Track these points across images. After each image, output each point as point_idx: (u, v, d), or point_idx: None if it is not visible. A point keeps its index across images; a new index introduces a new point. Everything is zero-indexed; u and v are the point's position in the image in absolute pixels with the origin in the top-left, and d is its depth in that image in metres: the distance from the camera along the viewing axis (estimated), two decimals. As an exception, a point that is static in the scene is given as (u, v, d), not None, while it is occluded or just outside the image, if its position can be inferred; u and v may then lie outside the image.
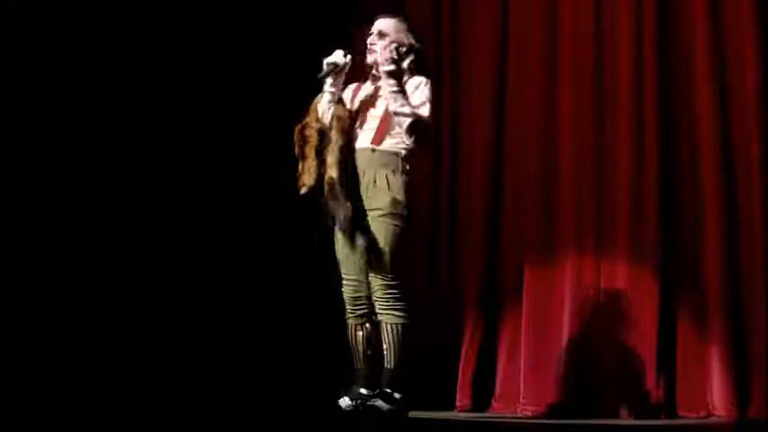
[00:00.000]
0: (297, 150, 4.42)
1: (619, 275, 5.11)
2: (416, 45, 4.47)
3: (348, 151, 4.37)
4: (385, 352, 4.28)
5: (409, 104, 4.30)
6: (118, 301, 5.19)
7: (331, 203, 4.30)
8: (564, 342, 5.13)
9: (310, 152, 4.37)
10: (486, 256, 5.39)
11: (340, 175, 4.28)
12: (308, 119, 4.44)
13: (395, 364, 4.27)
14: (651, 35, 5.13)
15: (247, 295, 5.42)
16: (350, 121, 4.41)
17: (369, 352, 4.38)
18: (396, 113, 4.31)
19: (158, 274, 5.26)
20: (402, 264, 4.28)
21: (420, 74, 4.43)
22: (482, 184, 5.44)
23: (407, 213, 4.30)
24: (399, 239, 4.27)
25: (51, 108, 5.11)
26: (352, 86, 4.54)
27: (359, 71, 4.49)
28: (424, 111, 4.33)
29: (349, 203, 4.27)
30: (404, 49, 4.43)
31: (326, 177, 4.30)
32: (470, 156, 5.49)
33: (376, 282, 4.29)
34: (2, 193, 4.96)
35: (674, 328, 5.02)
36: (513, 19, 5.48)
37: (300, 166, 4.39)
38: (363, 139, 4.41)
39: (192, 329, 5.28)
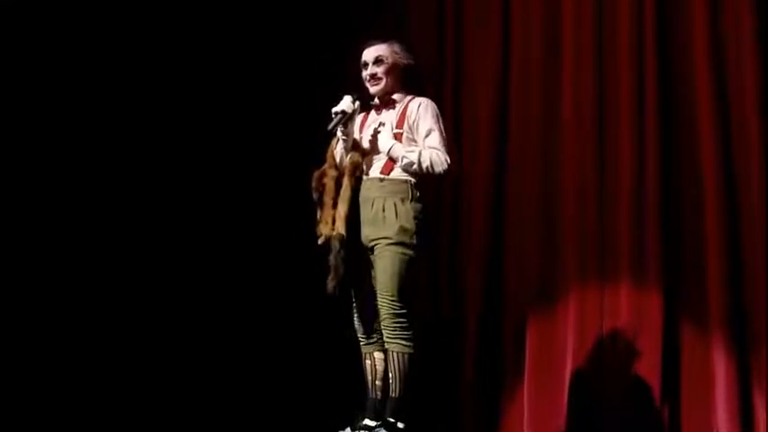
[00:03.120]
0: (315, 197, 4.41)
1: (622, 302, 5.06)
2: (413, 63, 4.46)
3: (358, 197, 4.35)
4: (390, 381, 4.25)
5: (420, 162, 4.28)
6: (121, 317, 5.27)
7: (332, 257, 4.27)
8: (568, 368, 5.09)
9: (328, 201, 4.36)
10: (489, 286, 5.36)
11: (347, 231, 4.26)
12: (325, 166, 4.43)
13: (399, 394, 4.23)
14: (652, 51, 5.08)
15: (255, 323, 5.45)
16: (363, 166, 4.39)
17: (378, 382, 4.35)
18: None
19: (161, 291, 5.35)
20: (410, 293, 4.25)
21: (418, 91, 4.43)
22: (484, 213, 5.40)
23: (416, 242, 4.26)
24: (407, 267, 4.24)
25: (60, 111, 5.19)
26: (359, 117, 4.51)
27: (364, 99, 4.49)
28: (441, 163, 4.29)
29: (343, 269, 4.24)
30: (402, 70, 4.43)
31: (335, 231, 4.28)
32: (473, 183, 5.46)
33: (383, 310, 4.25)
34: (17, 192, 5.05)
35: (679, 352, 4.99)
36: (515, 40, 5.45)
37: (319, 214, 4.37)
38: (373, 169, 4.38)
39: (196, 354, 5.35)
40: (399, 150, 4.31)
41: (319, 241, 4.32)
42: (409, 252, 4.24)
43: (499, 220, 5.39)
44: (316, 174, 4.43)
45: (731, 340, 4.86)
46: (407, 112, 4.37)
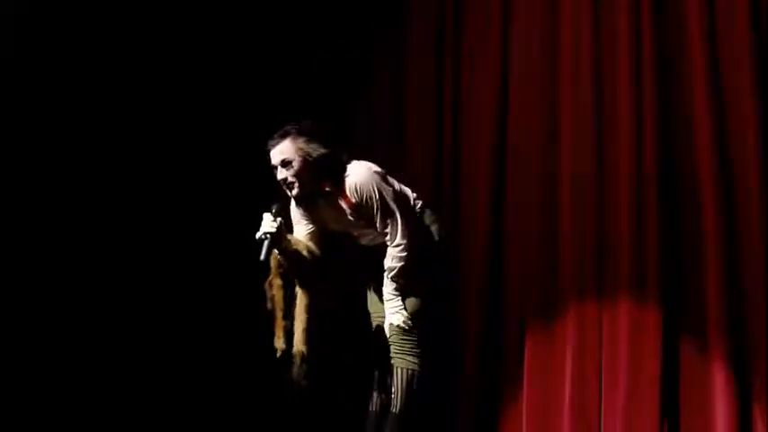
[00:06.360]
0: (269, 306, 4.28)
1: (621, 317, 4.98)
2: (326, 151, 4.11)
3: (315, 306, 4.24)
4: (393, 396, 4.20)
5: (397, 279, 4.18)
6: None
7: (294, 372, 4.21)
8: (567, 384, 5.02)
9: (278, 313, 4.24)
10: (488, 302, 5.27)
11: (308, 348, 4.19)
12: (271, 276, 4.26)
13: (400, 411, 4.19)
14: (650, 54, 5.01)
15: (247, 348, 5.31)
16: (312, 266, 4.23)
17: (374, 393, 4.30)
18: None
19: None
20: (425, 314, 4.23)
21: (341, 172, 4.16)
22: (484, 228, 5.32)
23: (436, 272, 4.26)
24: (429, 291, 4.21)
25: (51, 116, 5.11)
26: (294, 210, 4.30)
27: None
28: (402, 249, 4.15)
29: (306, 382, 4.19)
30: (315, 163, 4.10)
31: (296, 348, 4.20)
32: (473, 195, 5.39)
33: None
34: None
35: (678, 367, 4.92)
36: (515, 40, 5.36)
37: (274, 326, 4.28)
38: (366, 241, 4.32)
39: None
40: (397, 305, 4.19)
41: (277, 356, 4.24)
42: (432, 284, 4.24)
43: (498, 235, 5.31)
44: (265, 284, 4.27)
45: (730, 355, 4.80)
46: (348, 193, 4.12)
